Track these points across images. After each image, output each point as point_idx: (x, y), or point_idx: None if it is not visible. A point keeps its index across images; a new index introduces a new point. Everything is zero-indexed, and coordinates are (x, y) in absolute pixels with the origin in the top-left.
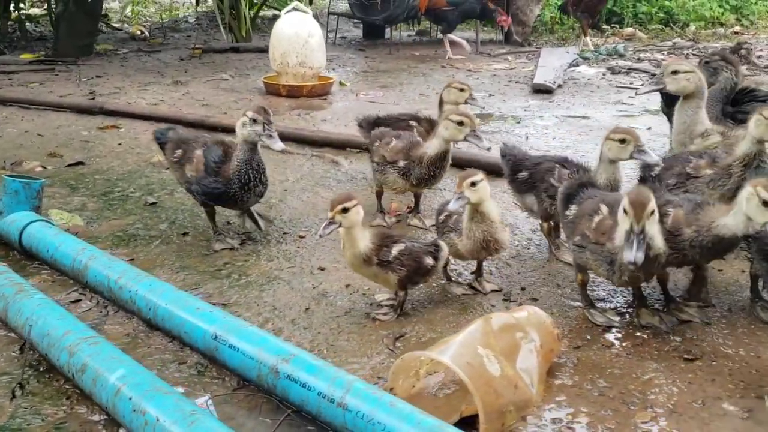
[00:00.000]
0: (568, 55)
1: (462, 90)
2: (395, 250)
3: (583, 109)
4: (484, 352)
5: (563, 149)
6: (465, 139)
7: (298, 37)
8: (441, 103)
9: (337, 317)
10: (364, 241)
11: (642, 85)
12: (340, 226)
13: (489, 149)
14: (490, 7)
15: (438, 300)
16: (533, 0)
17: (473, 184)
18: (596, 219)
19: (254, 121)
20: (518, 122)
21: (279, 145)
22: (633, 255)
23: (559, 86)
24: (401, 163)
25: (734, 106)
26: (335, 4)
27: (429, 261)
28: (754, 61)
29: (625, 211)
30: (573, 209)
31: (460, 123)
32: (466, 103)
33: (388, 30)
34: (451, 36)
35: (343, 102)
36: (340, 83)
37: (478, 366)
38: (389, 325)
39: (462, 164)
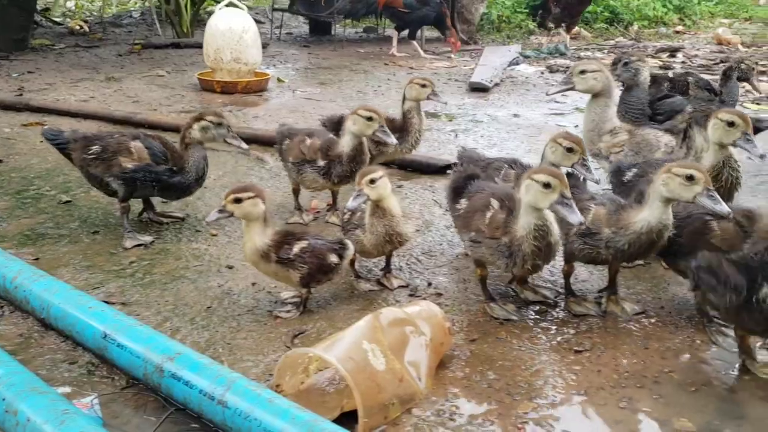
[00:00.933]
0: (510, 53)
1: (424, 86)
2: (297, 247)
3: (516, 107)
4: (370, 347)
5: (489, 147)
6: (373, 135)
7: (232, 33)
8: (404, 99)
9: (238, 315)
10: (262, 236)
11: (553, 85)
12: (231, 215)
13: (396, 144)
14: (446, 23)
15: (344, 297)
16: None
17: (372, 181)
18: (489, 214)
19: (219, 124)
20: (450, 120)
21: (244, 145)
22: (578, 217)
23: (496, 85)
24: (321, 162)
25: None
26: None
27: (333, 258)
28: (755, 84)
29: (547, 185)
30: (463, 203)
31: (369, 119)
32: (428, 98)
33: (334, 26)
34: (414, 43)
35: (278, 99)
36: (278, 80)
37: (361, 361)
38: (290, 323)
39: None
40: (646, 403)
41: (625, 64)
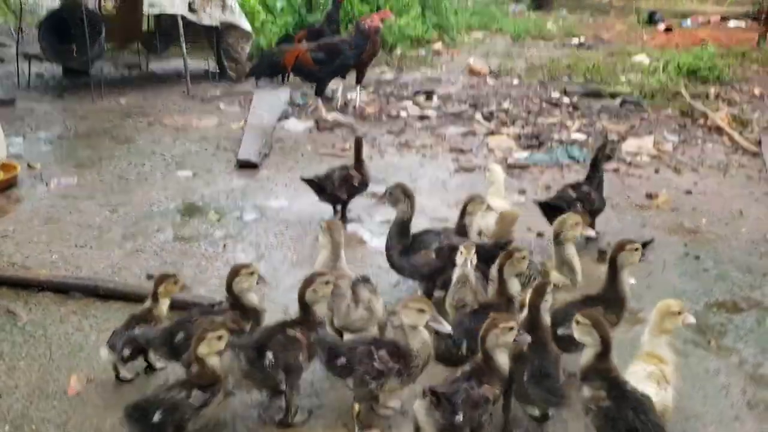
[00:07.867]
0: (280, 103)
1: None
2: None
3: (285, 190)
4: None
5: (258, 259)
6: None
7: None
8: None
9: None
10: None
11: None
12: None
13: None
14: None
15: None
16: (243, 38)
17: None
18: None
19: None
20: (218, 219)
21: None
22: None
23: (266, 156)
24: None
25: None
26: (27, 46)
27: None
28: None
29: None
30: None
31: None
32: None
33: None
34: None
35: (31, 200)
36: (29, 165)
37: None
38: None
39: None
40: None
41: (390, 194)
